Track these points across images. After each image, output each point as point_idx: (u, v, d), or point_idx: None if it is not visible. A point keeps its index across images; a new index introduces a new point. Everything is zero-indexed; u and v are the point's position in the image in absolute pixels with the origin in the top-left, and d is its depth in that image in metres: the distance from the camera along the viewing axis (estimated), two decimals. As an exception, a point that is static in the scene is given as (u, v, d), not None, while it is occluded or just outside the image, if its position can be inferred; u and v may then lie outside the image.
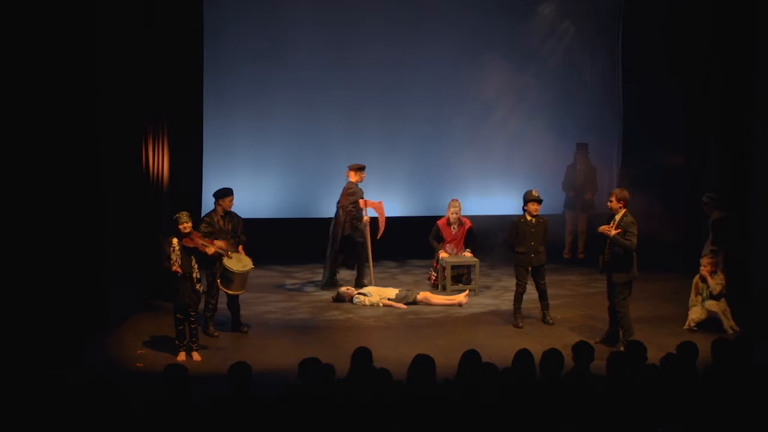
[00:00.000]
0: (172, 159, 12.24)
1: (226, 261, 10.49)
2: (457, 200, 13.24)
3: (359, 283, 12.85)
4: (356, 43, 14.67)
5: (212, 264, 10.33)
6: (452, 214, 13.14)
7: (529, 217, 11.28)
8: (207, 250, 9.93)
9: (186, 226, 9.77)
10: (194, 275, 9.80)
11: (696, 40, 13.59)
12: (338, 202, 12.88)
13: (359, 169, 12.89)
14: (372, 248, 12.83)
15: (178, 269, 9.65)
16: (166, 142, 12.11)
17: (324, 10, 14.58)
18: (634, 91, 14.99)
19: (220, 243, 10.34)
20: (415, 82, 14.86)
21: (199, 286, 9.85)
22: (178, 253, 9.71)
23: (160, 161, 12.01)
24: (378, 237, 12.92)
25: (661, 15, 14.16)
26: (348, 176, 12.89)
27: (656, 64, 14.34)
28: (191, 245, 9.76)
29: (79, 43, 10.11)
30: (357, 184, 12.85)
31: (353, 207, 12.76)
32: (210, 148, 13.08)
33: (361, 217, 12.78)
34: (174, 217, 9.86)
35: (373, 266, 12.98)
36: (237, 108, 14.44)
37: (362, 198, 12.79)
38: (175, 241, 9.74)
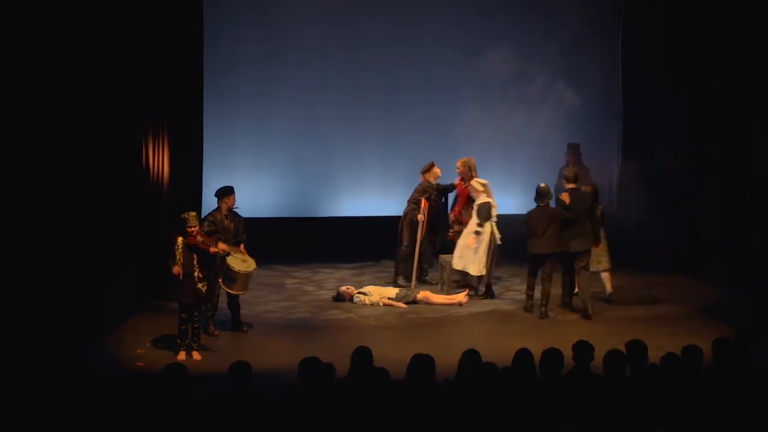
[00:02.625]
0: (172, 159, 12.24)
1: (230, 261, 10.49)
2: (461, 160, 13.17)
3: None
4: (356, 43, 14.69)
5: (212, 263, 10.30)
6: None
7: None
8: (210, 248, 9.91)
9: (194, 229, 9.79)
10: (196, 274, 9.80)
11: (696, 40, 13.59)
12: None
13: (429, 168, 13.00)
14: (420, 249, 12.79)
15: (179, 269, 9.66)
16: (166, 142, 12.11)
17: (324, 10, 14.60)
18: (634, 91, 14.99)
19: (223, 246, 10.33)
20: (415, 82, 14.87)
21: (201, 286, 9.85)
22: (182, 252, 9.72)
23: (160, 161, 12.01)
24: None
25: (661, 15, 14.16)
26: (425, 179, 12.99)
27: (656, 64, 14.34)
28: (192, 243, 9.77)
29: (79, 43, 10.11)
30: (434, 183, 12.95)
31: (414, 203, 12.89)
32: (210, 148, 13.08)
33: (416, 214, 12.81)
34: (182, 217, 9.86)
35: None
36: (237, 108, 14.45)
37: (425, 198, 12.87)
38: (179, 240, 9.75)
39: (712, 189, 13.55)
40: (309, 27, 14.51)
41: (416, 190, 13.00)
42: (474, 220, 12.39)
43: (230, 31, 14.28)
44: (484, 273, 12.36)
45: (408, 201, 13.05)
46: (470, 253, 12.30)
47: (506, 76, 15.04)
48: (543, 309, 11.62)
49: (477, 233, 12.26)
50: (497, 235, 12.28)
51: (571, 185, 11.76)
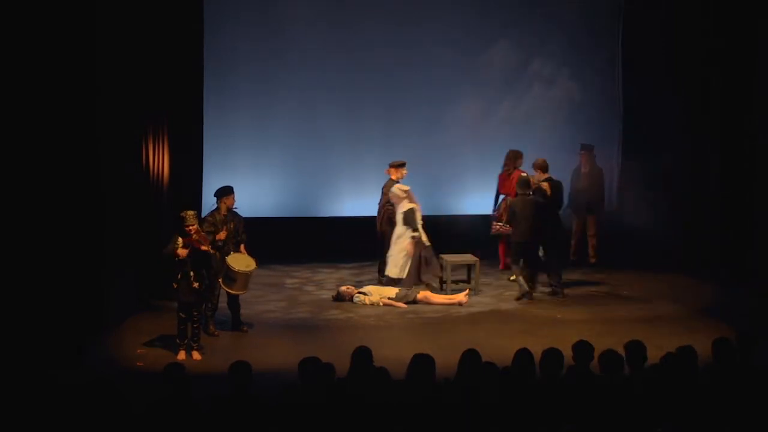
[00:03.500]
0: (172, 159, 12.24)
1: (230, 260, 10.50)
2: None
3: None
4: (356, 43, 14.68)
5: (207, 262, 10.24)
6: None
7: None
8: (202, 246, 9.89)
9: (192, 228, 9.79)
10: (192, 273, 9.80)
11: (696, 40, 13.60)
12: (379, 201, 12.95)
13: (399, 165, 12.87)
14: None
15: (182, 252, 9.69)
16: (166, 142, 12.11)
17: (324, 10, 14.59)
18: (634, 91, 14.99)
19: (221, 235, 10.39)
20: (415, 82, 14.86)
21: (198, 285, 9.85)
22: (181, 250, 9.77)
23: (160, 161, 12.01)
24: None
25: (661, 15, 14.17)
26: (388, 173, 12.89)
27: (656, 64, 14.35)
28: (188, 241, 9.77)
29: (79, 43, 10.12)
30: (398, 181, 12.82)
31: (389, 205, 12.76)
32: (210, 148, 13.08)
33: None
34: (180, 216, 9.87)
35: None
36: (237, 108, 14.44)
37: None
38: (179, 240, 9.77)
39: (712, 189, 13.55)
40: (309, 27, 14.50)
41: (384, 192, 12.82)
42: (403, 229, 12.32)
43: (230, 31, 14.26)
44: (403, 276, 12.34)
45: (380, 203, 12.89)
46: (400, 260, 12.33)
47: (506, 76, 15.04)
48: (526, 293, 12.16)
49: (413, 237, 12.25)
50: (424, 238, 12.36)
51: (546, 175, 12.39)
